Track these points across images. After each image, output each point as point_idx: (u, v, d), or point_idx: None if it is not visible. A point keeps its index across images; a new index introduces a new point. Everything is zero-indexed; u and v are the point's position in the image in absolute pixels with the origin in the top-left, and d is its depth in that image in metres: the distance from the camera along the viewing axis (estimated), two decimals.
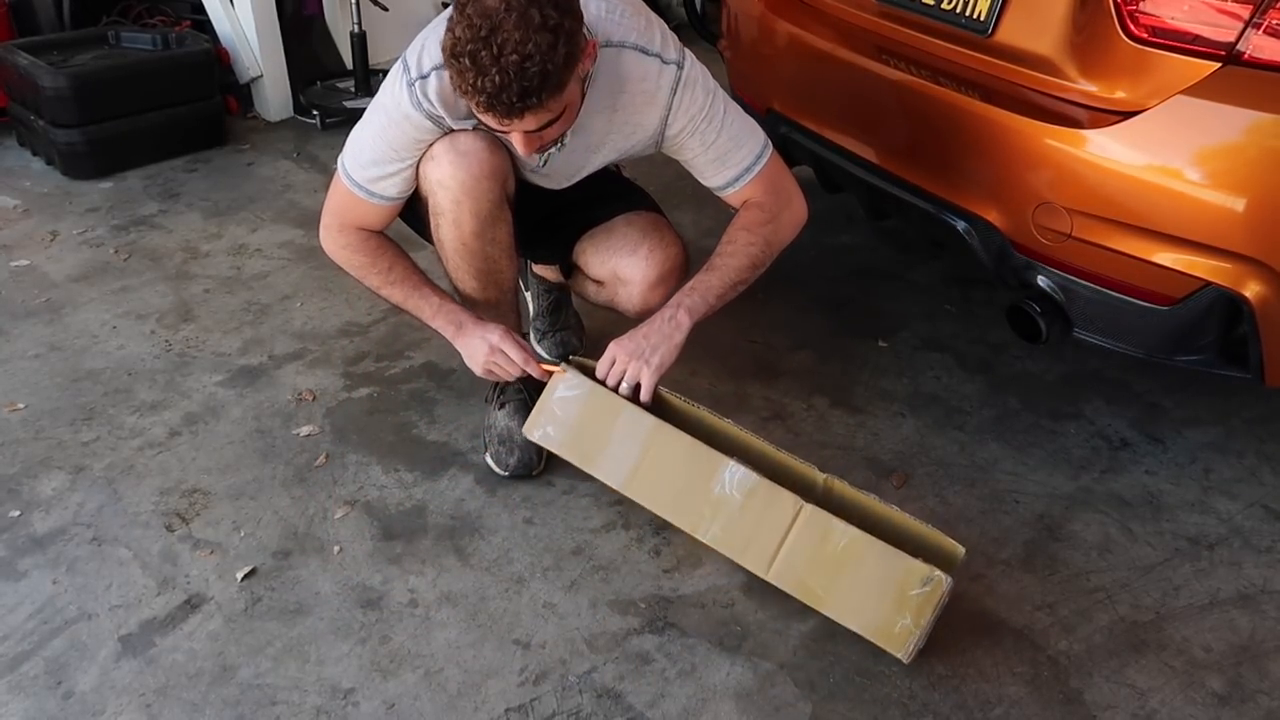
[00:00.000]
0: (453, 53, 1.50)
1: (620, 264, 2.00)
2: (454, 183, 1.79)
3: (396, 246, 1.93)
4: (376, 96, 1.80)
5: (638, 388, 1.80)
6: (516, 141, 1.64)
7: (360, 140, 1.82)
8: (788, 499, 1.67)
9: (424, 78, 1.70)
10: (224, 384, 2.31)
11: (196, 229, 3.01)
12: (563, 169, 1.93)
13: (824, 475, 1.80)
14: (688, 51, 1.81)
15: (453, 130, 1.78)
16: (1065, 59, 1.86)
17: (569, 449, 1.82)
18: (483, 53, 1.46)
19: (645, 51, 1.75)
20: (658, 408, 1.83)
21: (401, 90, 1.72)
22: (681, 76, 1.78)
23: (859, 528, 1.65)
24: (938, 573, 1.58)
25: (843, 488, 1.78)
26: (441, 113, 1.73)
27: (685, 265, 2.02)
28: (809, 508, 1.65)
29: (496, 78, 1.47)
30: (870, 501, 1.76)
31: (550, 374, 1.84)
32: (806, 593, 1.67)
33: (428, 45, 1.70)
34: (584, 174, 1.97)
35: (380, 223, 1.91)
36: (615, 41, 1.72)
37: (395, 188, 1.84)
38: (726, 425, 1.86)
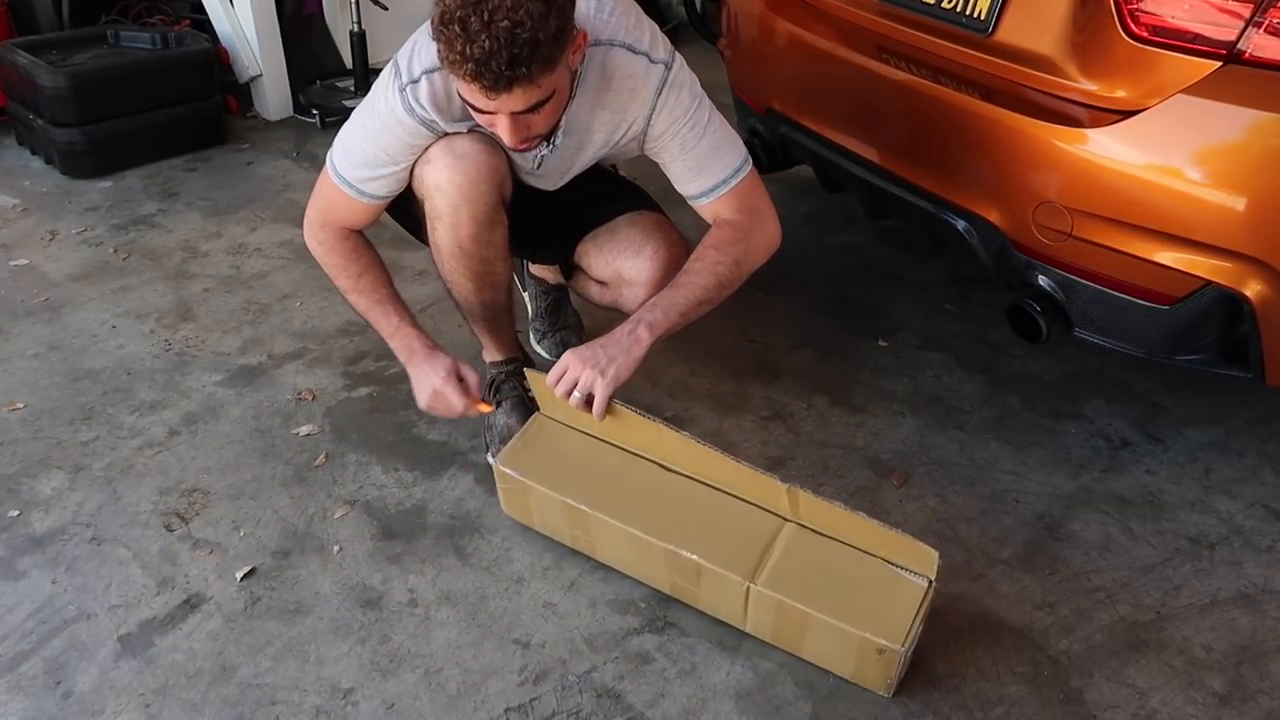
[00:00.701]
0: (442, 21, 1.47)
1: (624, 265, 1.98)
2: (451, 186, 1.78)
3: (373, 254, 1.91)
4: (369, 97, 1.79)
5: (591, 400, 1.74)
6: (503, 130, 1.59)
7: (351, 140, 1.80)
8: (734, 582, 1.63)
9: (414, 82, 1.68)
10: (223, 383, 2.31)
11: (196, 228, 3.01)
12: (556, 167, 1.92)
13: (787, 488, 1.71)
14: (678, 54, 1.79)
15: (447, 133, 1.77)
16: (1066, 58, 1.86)
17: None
18: (472, 18, 1.44)
19: (633, 49, 1.74)
20: (613, 423, 1.79)
21: (394, 95, 1.71)
22: (669, 78, 1.77)
23: (830, 541, 1.65)
24: (890, 646, 1.53)
25: (808, 502, 1.70)
26: (434, 116, 1.72)
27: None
28: (755, 588, 1.62)
29: (486, 43, 1.44)
30: (837, 513, 1.68)
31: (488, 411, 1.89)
32: (784, 644, 1.68)
33: (418, 48, 1.69)
34: (573, 174, 1.96)
35: (364, 220, 1.89)
36: (604, 39, 1.71)
37: (385, 188, 1.83)
38: (686, 440, 1.77)
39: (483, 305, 1.95)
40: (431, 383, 1.84)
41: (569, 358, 1.76)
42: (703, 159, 1.85)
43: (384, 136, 1.76)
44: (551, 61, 1.51)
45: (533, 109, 1.57)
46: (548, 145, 1.81)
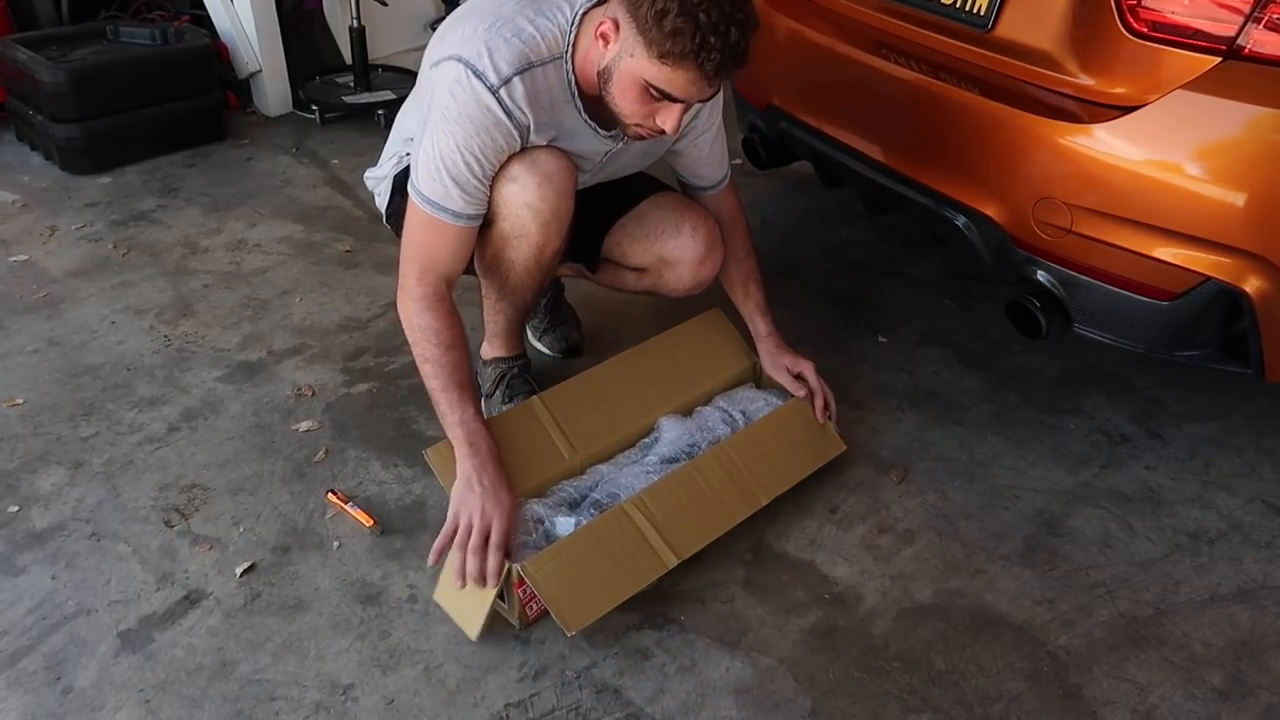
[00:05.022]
0: (681, 12, 1.50)
1: (666, 247, 2.03)
2: (545, 205, 1.77)
3: (463, 331, 1.79)
4: (440, 113, 1.68)
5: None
6: (672, 118, 1.63)
7: (437, 157, 1.70)
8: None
9: (507, 83, 1.65)
10: (223, 379, 2.31)
11: (195, 224, 3.01)
12: (604, 167, 1.94)
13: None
14: None
15: (528, 145, 1.74)
16: (1065, 54, 1.85)
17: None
18: (714, 10, 1.50)
19: None
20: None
21: (486, 97, 1.65)
22: None
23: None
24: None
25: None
26: (530, 119, 1.69)
27: (721, 234, 2.07)
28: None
29: (731, 33, 1.51)
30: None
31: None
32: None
33: (496, 50, 1.65)
34: (604, 175, 1.99)
35: (463, 257, 1.79)
36: None
37: (478, 206, 1.75)
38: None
39: (527, 312, 1.98)
40: (486, 513, 1.64)
41: (811, 375, 2.05)
42: (719, 150, 2.03)
43: (479, 140, 1.68)
44: None
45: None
46: (622, 138, 1.84)
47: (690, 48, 1.51)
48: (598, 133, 1.80)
